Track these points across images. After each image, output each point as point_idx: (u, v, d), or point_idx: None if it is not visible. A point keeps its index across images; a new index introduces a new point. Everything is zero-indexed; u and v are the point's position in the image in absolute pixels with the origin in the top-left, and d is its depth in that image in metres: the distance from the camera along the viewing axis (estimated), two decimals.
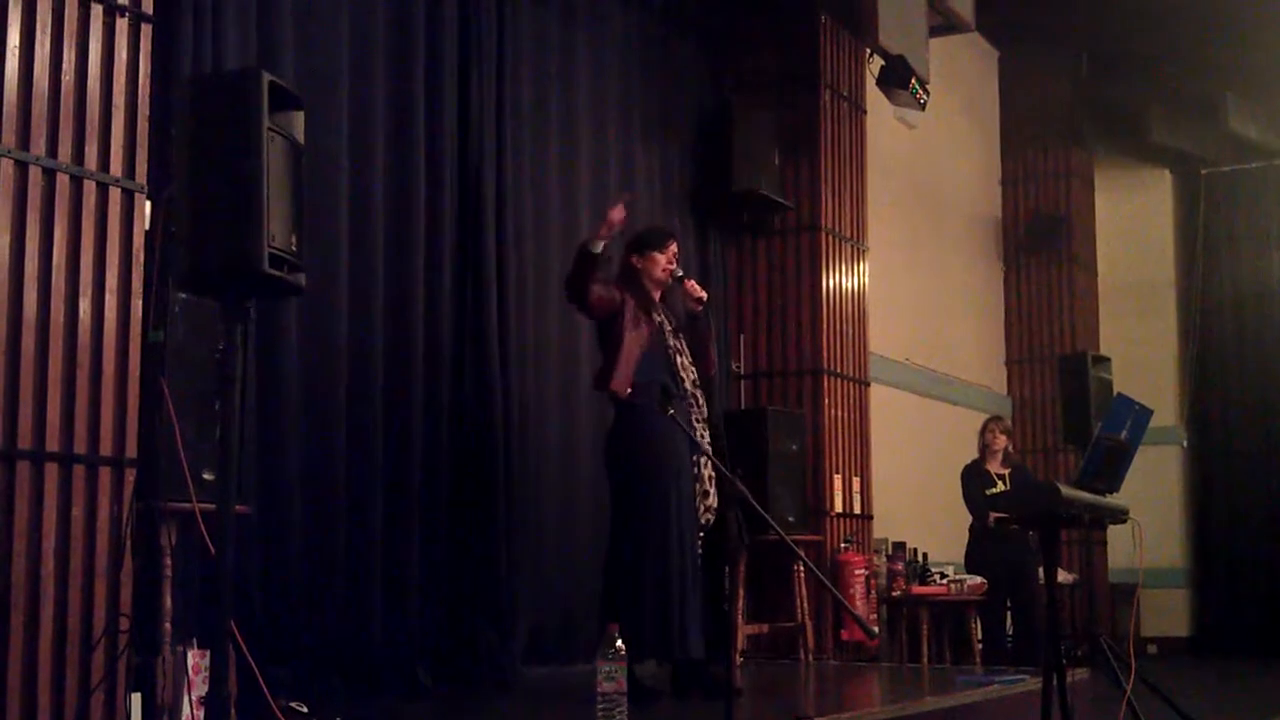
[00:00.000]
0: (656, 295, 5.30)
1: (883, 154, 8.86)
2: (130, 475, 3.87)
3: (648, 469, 5.03)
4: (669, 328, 5.27)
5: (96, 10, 3.91)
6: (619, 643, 4.01)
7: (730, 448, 6.11)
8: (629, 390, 5.04)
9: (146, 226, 4.01)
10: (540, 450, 6.26)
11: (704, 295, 5.30)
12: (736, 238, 8.11)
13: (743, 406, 7.86)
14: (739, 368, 7.99)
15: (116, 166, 3.93)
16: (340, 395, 5.27)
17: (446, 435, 5.73)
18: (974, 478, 8.11)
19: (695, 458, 5.10)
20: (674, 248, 5.33)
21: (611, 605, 4.88)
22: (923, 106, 8.22)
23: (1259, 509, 11.33)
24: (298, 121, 3.38)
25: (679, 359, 5.22)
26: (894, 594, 8.01)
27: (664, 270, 5.27)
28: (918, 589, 7.98)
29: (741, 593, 6.89)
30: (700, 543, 5.13)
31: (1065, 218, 11.02)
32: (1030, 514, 4.66)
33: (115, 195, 3.92)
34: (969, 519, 8.10)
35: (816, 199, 7.95)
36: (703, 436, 5.11)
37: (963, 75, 10.51)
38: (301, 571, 5.02)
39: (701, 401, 5.22)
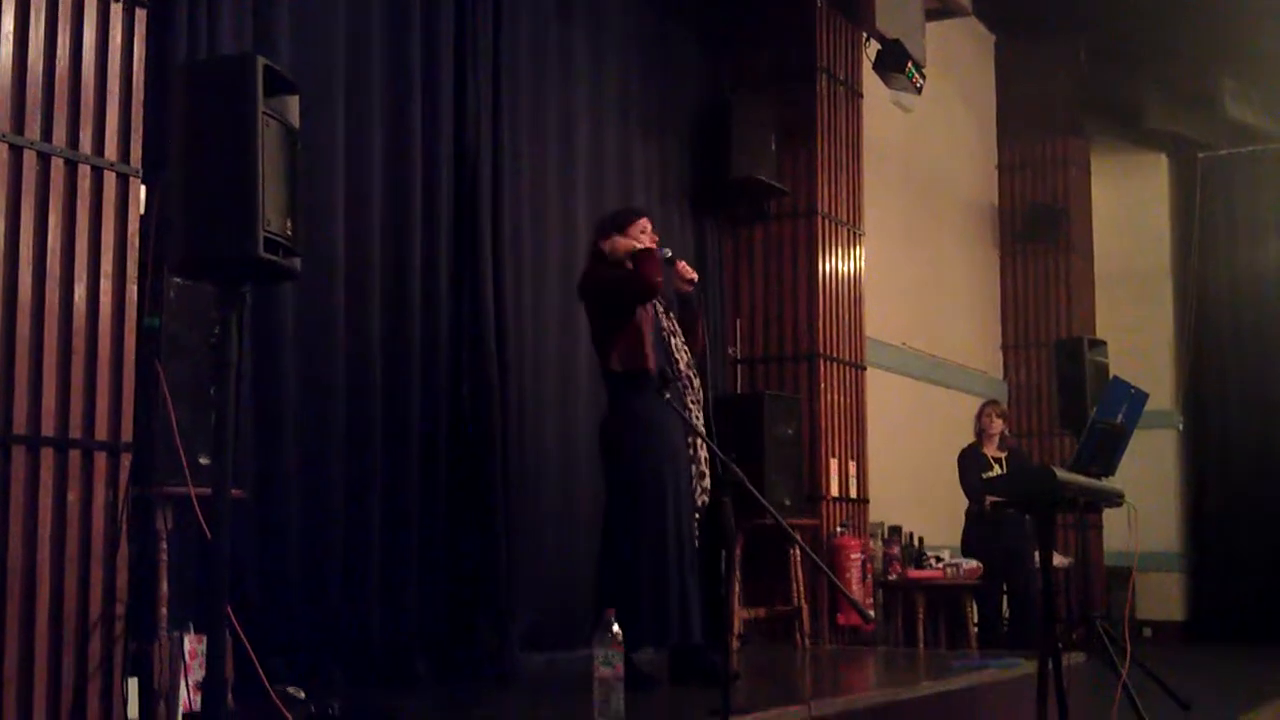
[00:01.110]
0: None
1: (879, 139, 8.85)
2: (126, 460, 3.87)
3: (643, 453, 4.98)
4: (660, 309, 5.23)
5: None
6: (615, 628, 4.00)
7: (727, 432, 6.08)
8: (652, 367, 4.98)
9: (141, 211, 4.00)
10: (538, 436, 6.25)
11: (695, 276, 5.26)
12: (733, 224, 8.10)
13: (739, 391, 7.86)
14: (735, 352, 7.99)
15: (111, 151, 3.91)
16: (338, 382, 5.25)
17: (445, 423, 5.71)
18: (970, 461, 8.14)
19: (691, 439, 5.09)
20: (648, 224, 5.25)
21: (608, 591, 4.85)
22: (919, 91, 8.22)
23: (1254, 493, 11.34)
24: (292, 106, 3.37)
25: (673, 340, 5.19)
26: (890, 578, 8.03)
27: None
28: (914, 573, 8.00)
29: (738, 577, 6.91)
30: (697, 525, 5.11)
31: (1063, 207, 10.99)
32: (1026, 497, 4.68)
33: (110, 180, 3.91)
34: (965, 503, 8.12)
35: (813, 184, 7.94)
36: (698, 419, 5.08)
37: (959, 60, 10.50)
38: (299, 559, 5.00)
39: (697, 383, 5.18)
